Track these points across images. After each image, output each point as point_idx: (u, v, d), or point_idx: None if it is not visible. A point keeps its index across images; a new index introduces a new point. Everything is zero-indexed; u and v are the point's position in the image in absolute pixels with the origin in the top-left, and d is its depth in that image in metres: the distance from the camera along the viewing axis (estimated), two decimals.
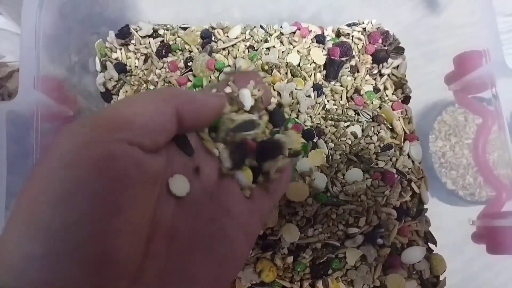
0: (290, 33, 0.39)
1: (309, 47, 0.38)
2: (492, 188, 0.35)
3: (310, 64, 0.38)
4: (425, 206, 0.37)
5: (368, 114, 0.37)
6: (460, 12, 0.42)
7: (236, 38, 0.37)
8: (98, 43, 0.37)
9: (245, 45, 0.37)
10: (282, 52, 0.37)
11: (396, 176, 0.35)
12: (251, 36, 0.38)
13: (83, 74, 0.37)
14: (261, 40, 0.38)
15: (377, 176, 0.35)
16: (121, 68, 0.36)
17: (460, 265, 0.39)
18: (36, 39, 0.27)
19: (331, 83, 0.38)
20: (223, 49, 0.37)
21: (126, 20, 0.41)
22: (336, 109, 0.37)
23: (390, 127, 0.37)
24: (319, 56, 0.38)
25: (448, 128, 0.44)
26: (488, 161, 0.36)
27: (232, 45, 0.37)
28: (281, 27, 0.39)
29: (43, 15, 0.28)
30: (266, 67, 0.36)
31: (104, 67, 0.37)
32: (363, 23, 0.40)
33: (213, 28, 0.38)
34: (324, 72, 0.38)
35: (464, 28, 0.43)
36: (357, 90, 0.38)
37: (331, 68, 0.37)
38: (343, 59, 0.37)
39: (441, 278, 0.35)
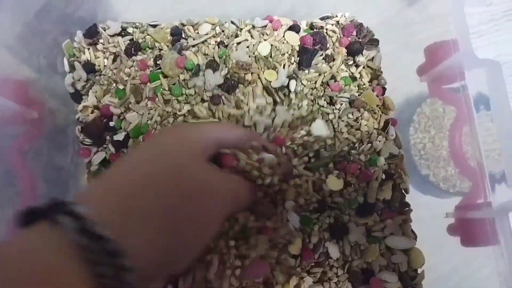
0: (262, 27, 0.38)
1: (281, 39, 0.38)
2: (468, 179, 0.34)
3: (283, 55, 0.37)
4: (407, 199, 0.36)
5: (346, 98, 0.36)
6: (437, 4, 0.42)
7: (206, 34, 0.37)
8: (66, 43, 0.37)
9: (216, 41, 0.37)
10: (253, 45, 0.37)
11: (372, 172, 0.35)
12: (222, 31, 0.38)
13: (53, 75, 0.36)
14: (232, 36, 0.37)
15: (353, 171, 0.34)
16: (89, 68, 0.36)
17: (440, 258, 0.39)
18: None
19: (304, 71, 0.37)
20: (193, 46, 0.36)
21: (99, 19, 0.41)
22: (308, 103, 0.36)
23: (372, 109, 0.37)
24: (294, 38, 0.37)
25: (427, 120, 0.43)
26: (464, 152, 0.36)
27: (202, 42, 0.37)
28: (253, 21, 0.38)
29: (3, 15, 0.28)
30: (237, 73, 0.35)
31: (72, 68, 0.36)
32: (337, 16, 0.39)
33: (183, 25, 0.38)
34: (298, 59, 0.37)
35: (442, 19, 0.42)
36: (333, 77, 0.37)
37: (304, 56, 0.37)
38: (316, 47, 0.37)
39: (419, 271, 0.35)
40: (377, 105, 0.37)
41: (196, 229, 0.24)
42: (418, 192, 0.42)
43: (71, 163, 0.40)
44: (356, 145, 0.36)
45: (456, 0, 0.29)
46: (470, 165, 0.34)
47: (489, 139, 0.28)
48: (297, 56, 0.38)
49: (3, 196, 0.34)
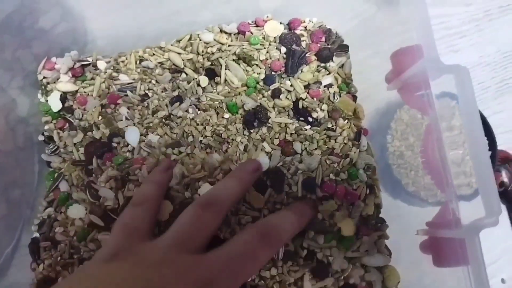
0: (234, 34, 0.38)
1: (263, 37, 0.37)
2: (441, 192, 0.32)
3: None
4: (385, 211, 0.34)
5: (322, 110, 0.35)
6: (408, 8, 0.40)
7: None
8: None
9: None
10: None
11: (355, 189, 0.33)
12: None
13: (12, 90, 0.35)
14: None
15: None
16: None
17: (416, 276, 0.37)
18: None
19: (289, 77, 0.36)
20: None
21: (63, 32, 0.39)
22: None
23: (347, 117, 0.35)
24: (274, 27, 0.37)
25: (405, 127, 0.41)
26: (437, 162, 0.34)
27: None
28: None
29: None
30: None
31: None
32: (304, 21, 0.38)
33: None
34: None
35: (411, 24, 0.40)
36: (317, 82, 0.36)
37: (291, 61, 0.35)
38: (297, 48, 0.36)
39: None
40: (349, 114, 0.35)
41: None
42: (399, 202, 0.40)
43: (37, 181, 0.38)
44: (336, 162, 0.34)
45: (419, 3, 0.27)
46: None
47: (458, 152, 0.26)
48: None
49: None
